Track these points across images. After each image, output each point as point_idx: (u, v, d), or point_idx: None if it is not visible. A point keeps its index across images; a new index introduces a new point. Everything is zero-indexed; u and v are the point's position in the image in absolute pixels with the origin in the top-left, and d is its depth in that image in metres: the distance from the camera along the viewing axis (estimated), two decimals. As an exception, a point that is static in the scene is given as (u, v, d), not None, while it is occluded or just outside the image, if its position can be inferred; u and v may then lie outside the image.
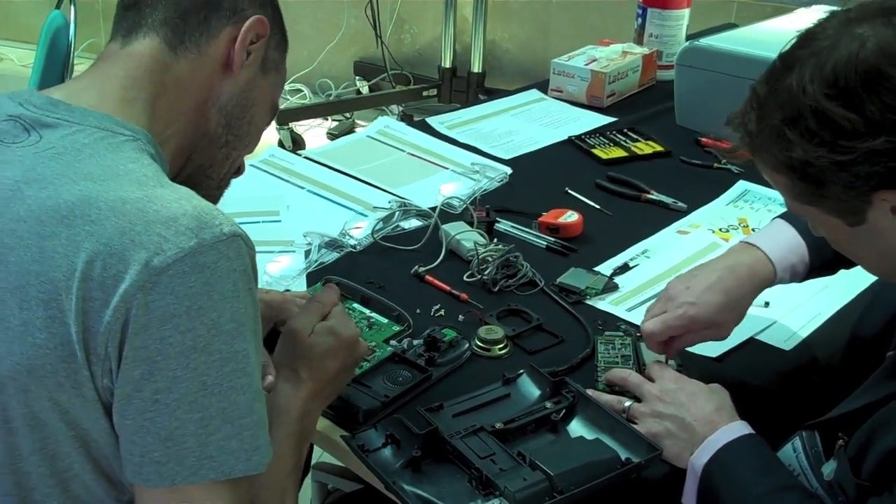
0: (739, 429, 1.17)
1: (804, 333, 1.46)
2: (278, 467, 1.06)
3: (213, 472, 0.93)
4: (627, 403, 1.26)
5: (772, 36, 2.11)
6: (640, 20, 2.40)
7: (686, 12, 2.38)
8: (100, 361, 0.91)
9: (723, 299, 1.28)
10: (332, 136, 4.22)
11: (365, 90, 4.49)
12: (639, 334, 1.40)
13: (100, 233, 0.90)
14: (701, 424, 1.19)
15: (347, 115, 4.31)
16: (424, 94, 4.26)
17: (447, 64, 4.24)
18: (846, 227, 1.03)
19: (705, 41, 2.08)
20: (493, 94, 4.13)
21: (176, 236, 0.90)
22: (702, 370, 1.35)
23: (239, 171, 1.21)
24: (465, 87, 4.24)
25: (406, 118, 4.33)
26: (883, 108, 0.92)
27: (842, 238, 1.07)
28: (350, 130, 4.27)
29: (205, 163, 1.13)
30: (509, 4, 4.31)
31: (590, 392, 1.27)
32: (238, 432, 0.93)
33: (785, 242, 1.33)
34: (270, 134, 4.09)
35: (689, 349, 1.37)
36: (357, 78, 4.52)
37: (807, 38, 0.99)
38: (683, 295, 1.30)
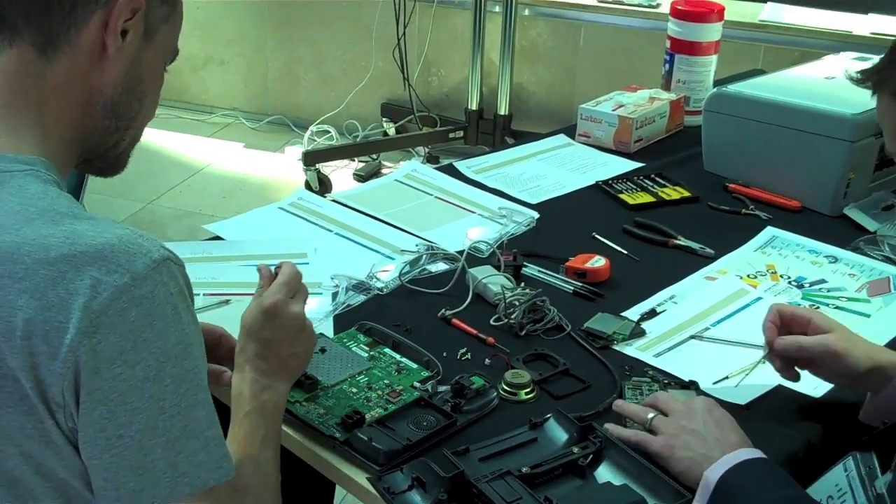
0: (760, 454, 1.17)
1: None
2: (247, 443, 1.13)
3: (189, 488, 0.96)
4: (651, 415, 1.26)
5: (799, 83, 2.12)
6: (667, 66, 2.41)
7: (713, 58, 2.39)
8: (60, 409, 0.92)
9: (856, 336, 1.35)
10: (359, 177, 4.24)
11: (392, 132, 4.52)
12: (666, 381, 1.41)
13: (32, 288, 0.91)
14: (721, 445, 1.19)
15: (374, 156, 4.34)
16: (451, 136, 4.28)
17: (474, 106, 4.27)
18: None
19: (733, 87, 2.09)
20: (520, 137, 4.18)
21: (108, 275, 0.91)
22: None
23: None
24: (492, 130, 4.26)
25: (432, 160, 4.36)
26: None
27: None
28: (377, 172, 4.29)
29: (99, 150, 1.10)
30: (536, 48, 4.34)
31: (617, 401, 1.30)
32: (204, 445, 0.97)
33: None
34: (297, 175, 4.12)
35: (717, 396, 1.37)
36: (384, 119, 4.55)
37: None
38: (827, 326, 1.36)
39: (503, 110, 4.22)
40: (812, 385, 1.43)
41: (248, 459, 1.13)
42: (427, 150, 4.37)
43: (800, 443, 1.33)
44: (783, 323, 1.38)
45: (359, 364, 1.40)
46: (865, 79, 1.19)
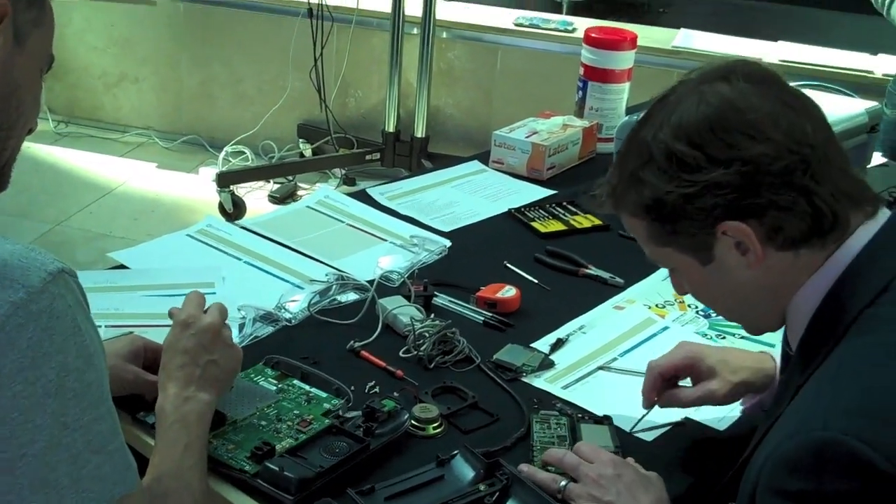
0: None
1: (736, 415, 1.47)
2: (169, 451, 1.15)
3: (94, 503, 0.94)
4: (563, 483, 1.25)
5: (708, 113, 2.15)
6: (580, 93, 2.42)
7: (626, 86, 2.42)
8: None
9: (726, 356, 1.39)
10: (274, 199, 4.20)
11: (308, 153, 4.49)
12: (580, 415, 1.43)
13: None
14: None
15: (290, 178, 4.30)
16: (368, 157, 4.26)
17: (391, 128, 4.26)
18: (700, 266, 1.14)
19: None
20: (437, 160, 4.19)
21: (3, 292, 0.89)
22: (637, 453, 1.35)
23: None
24: (409, 152, 4.25)
25: (349, 182, 4.34)
26: (721, 146, 1.06)
27: (698, 280, 1.18)
28: (292, 194, 4.26)
29: None
30: (454, 71, 4.35)
31: (525, 467, 1.28)
32: (108, 458, 0.96)
33: None
34: (211, 196, 4.06)
35: (626, 430, 1.38)
36: (300, 140, 4.52)
37: (660, 100, 1.15)
38: (690, 344, 1.43)
39: (420, 132, 4.22)
40: (718, 416, 1.45)
41: (169, 467, 1.14)
42: (344, 171, 4.35)
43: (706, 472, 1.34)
44: (666, 378, 1.39)
45: (267, 397, 1.37)
46: (603, 201, 1.20)
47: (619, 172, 1.16)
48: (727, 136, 1.06)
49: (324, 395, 1.39)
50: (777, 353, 1.36)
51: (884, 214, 1.11)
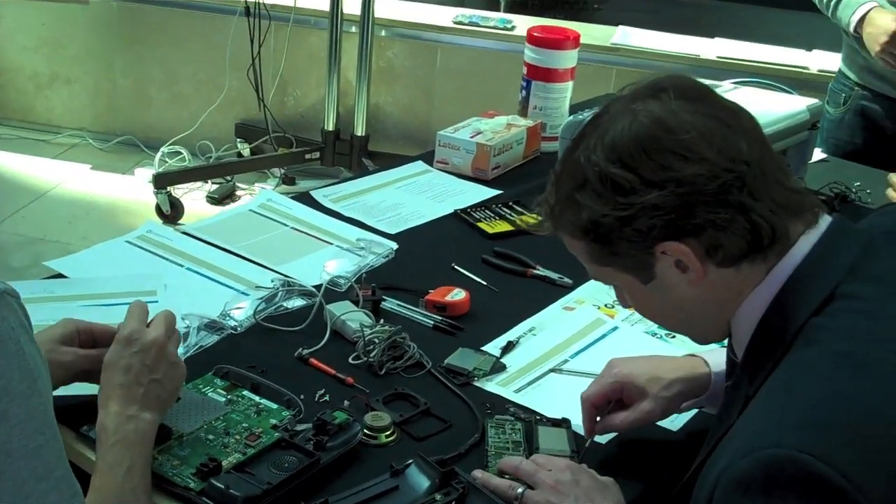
0: None
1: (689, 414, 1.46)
2: (111, 474, 1.13)
3: None
4: (520, 490, 1.23)
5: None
6: (524, 92, 2.41)
7: (569, 84, 2.41)
8: None
9: (656, 371, 1.36)
10: (213, 199, 4.14)
11: (246, 153, 4.43)
12: (539, 417, 1.41)
13: None
14: None
15: (228, 178, 4.24)
16: (307, 157, 4.22)
17: (330, 127, 4.21)
18: (641, 285, 1.13)
19: (588, 115, 2.10)
20: (377, 158, 4.17)
21: None
22: (592, 455, 1.34)
23: None
24: (349, 151, 4.22)
25: (288, 181, 4.30)
26: (655, 168, 1.05)
27: (641, 298, 1.17)
28: (231, 194, 4.20)
29: None
30: (393, 68, 4.33)
31: (480, 474, 1.26)
32: (55, 486, 0.93)
33: (723, 355, 1.34)
34: (148, 197, 3.99)
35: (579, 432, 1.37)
36: (238, 140, 4.46)
37: (594, 119, 1.13)
38: (620, 364, 1.38)
39: (360, 131, 4.19)
40: (670, 418, 1.45)
41: (112, 490, 1.12)
42: (283, 171, 4.30)
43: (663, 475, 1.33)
44: (602, 403, 1.37)
45: (215, 410, 1.34)
46: (542, 221, 1.18)
47: (556, 193, 1.15)
48: (660, 158, 1.05)
49: (274, 406, 1.36)
50: (714, 356, 1.36)
51: (825, 221, 1.10)
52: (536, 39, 2.38)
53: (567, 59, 2.39)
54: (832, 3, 2.48)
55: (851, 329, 1.00)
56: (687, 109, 1.07)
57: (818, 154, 2.47)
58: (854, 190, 2.30)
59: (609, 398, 1.36)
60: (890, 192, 2.14)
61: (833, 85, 2.69)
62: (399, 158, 2.32)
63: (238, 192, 4.22)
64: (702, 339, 1.24)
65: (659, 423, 1.43)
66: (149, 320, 1.28)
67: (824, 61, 3.97)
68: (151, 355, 1.23)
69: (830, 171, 2.38)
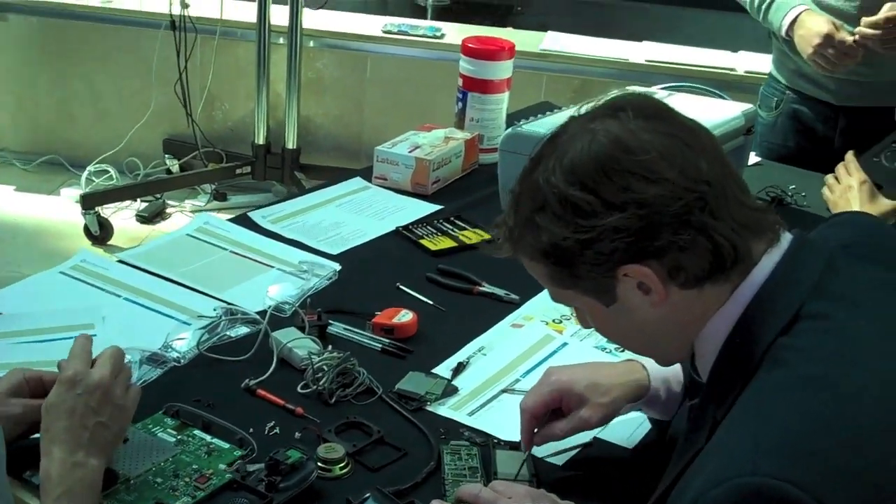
0: None
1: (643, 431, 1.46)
2: None
3: None
4: None
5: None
6: (460, 104, 2.40)
7: (506, 95, 2.40)
8: None
9: (594, 377, 1.36)
10: (142, 217, 4.06)
11: (176, 169, 4.35)
12: (496, 441, 1.39)
13: None
14: None
15: (158, 195, 4.16)
16: (238, 171, 4.16)
17: (261, 140, 4.15)
18: (603, 307, 1.12)
19: (528, 127, 2.08)
20: (309, 171, 4.12)
21: None
22: (553, 479, 1.32)
23: None
24: (281, 164, 4.16)
25: (219, 197, 4.23)
26: (616, 189, 1.03)
27: (603, 320, 1.15)
28: (161, 212, 4.12)
29: None
30: (323, 80, 4.28)
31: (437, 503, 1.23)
32: None
33: None
34: (75, 218, 3.89)
35: (537, 454, 1.35)
36: (167, 156, 4.38)
37: (551, 139, 1.11)
38: (558, 372, 1.37)
39: (291, 144, 4.13)
40: (625, 435, 1.44)
41: None
42: (214, 187, 4.24)
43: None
44: (541, 412, 1.36)
45: (165, 451, 1.29)
46: (500, 244, 1.16)
47: (515, 215, 1.12)
48: (621, 179, 1.03)
49: (226, 445, 1.31)
50: (651, 361, 1.35)
51: (786, 239, 1.09)
52: (471, 51, 2.36)
53: (503, 69, 2.37)
54: (763, 7, 2.50)
55: (819, 350, 1.00)
56: (646, 129, 1.05)
57: (753, 158, 2.49)
58: (790, 193, 2.32)
59: (547, 408, 1.35)
60: (826, 193, 2.16)
61: (764, 89, 2.72)
62: (332, 171, 2.29)
63: (168, 210, 4.14)
64: (664, 361, 1.23)
65: (615, 441, 1.43)
66: (93, 356, 1.23)
67: (751, 62, 4.02)
68: (96, 397, 1.18)
69: (766, 175, 2.40)
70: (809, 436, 0.92)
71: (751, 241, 1.06)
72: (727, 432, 0.99)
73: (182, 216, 4.13)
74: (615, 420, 1.43)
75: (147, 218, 4.06)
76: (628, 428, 1.45)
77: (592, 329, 1.21)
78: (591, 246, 1.05)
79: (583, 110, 1.12)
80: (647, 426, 1.46)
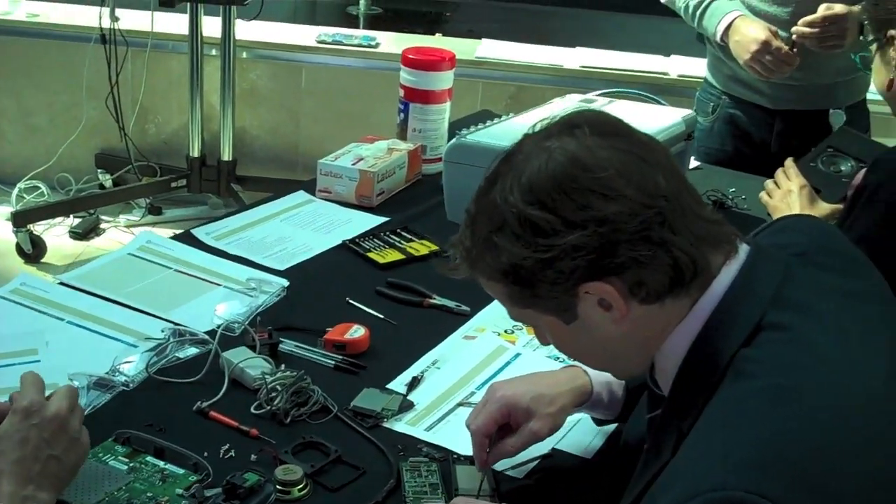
0: None
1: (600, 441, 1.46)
2: None
3: None
4: None
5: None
6: (402, 115, 2.38)
7: (447, 105, 2.39)
8: None
9: (538, 389, 1.36)
10: (76, 234, 3.98)
11: (109, 184, 4.27)
12: (455, 456, 1.39)
13: None
14: None
15: (91, 211, 4.08)
16: (173, 185, 4.08)
17: (196, 153, 4.09)
18: (564, 325, 1.11)
19: (471, 137, 2.08)
20: (245, 183, 4.08)
21: None
22: (514, 491, 1.32)
23: None
24: (216, 177, 4.10)
25: (154, 211, 4.16)
26: (575, 208, 1.03)
27: (564, 338, 1.15)
28: (94, 227, 4.04)
29: None
30: (257, 91, 4.24)
31: None
32: None
33: None
34: (6, 237, 3.80)
35: (496, 468, 1.35)
36: (100, 171, 4.29)
37: (507, 158, 1.10)
38: (502, 388, 1.37)
39: (227, 156, 4.08)
40: (583, 445, 1.44)
41: None
42: (148, 201, 4.17)
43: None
44: (492, 430, 1.35)
45: (117, 479, 1.26)
46: (457, 264, 1.15)
47: (472, 235, 1.11)
48: (580, 197, 1.02)
49: (180, 471, 1.29)
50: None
51: (743, 251, 1.10)
52: (412, 61, 2.35)
53: (443, 80, 2.37)
54: (697, 13, 2.53)
55: (782, 361, 1.00)
56: (602, 146, 1.05)
57: (692, 163, 2.52)
58: (730, 196, 2.35)
59: (498, 423, 1.35)
60: (765, 197, 2.19)
61: (700, 94, 2.75)
62: (269, 182, 2.26)
63: (103, 226, 4.06)
64: (624, 375, 1.24)
65: (573, 451, 1.43)
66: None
67: (683, 66, 4.07)
68: (51, 429, 1.15)
69: (705, 179, 2.42)
70: (777, 447, 0.93)
71: (709, 254, 1.06)
72: (694, 445, 0.99)
73: (117, 231, 4.06)
74: (572, 431, 1.44)
75: (81, 234, 3.98)
76: (585, 437, 1.46)
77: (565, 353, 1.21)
78: (551, 265, 1.04)
79: (537, 128, 1.12)
80: (603, 436, 1.46)
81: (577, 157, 1.04)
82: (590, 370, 1.38)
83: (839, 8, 2.32)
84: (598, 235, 1.02)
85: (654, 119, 2.21)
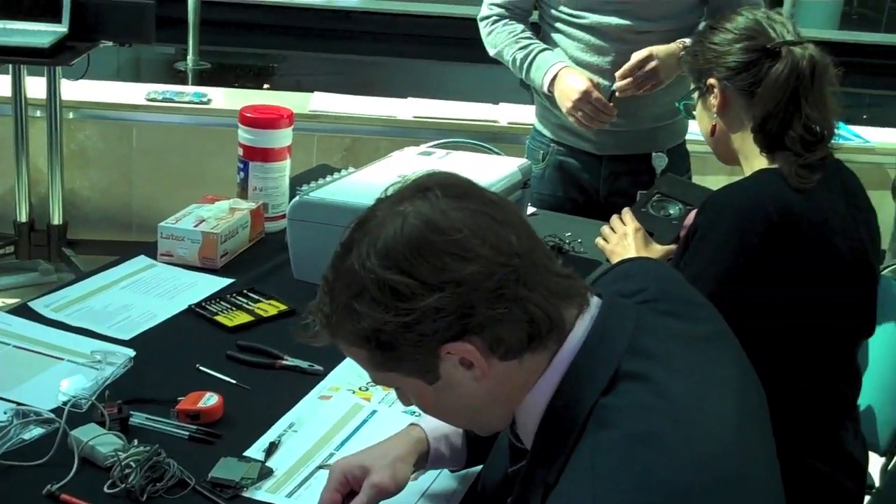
0: None
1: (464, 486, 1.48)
2: None
3: None
4: None
5: (376, 183, 2.16)
6: (242, 174, 2.37)
7: (287, 162, 2.39)
8: None
9: (372, 449, 1.39)
10: None
11: (-74, 254, 4.08)
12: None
13: None
14: None
15: None
16: (0, 252, 3.94)
17: (23, 218, 3.96)
18: (427, 386, 1.13)
19: (314, 195, 2.09)
20: (78, 246, 3.96)
21: None
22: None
23: None
24: (47, 241, 3.98)
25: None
26: (432, 270, 1.05)
27: (427, 399, 1.16)
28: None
29: None
30: (87, 152, 4.14)
31: None
32: None
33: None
34: None
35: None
36: (-85, 243, 4.10)
37: (360, 223, 1.12)
38: (339, 461, 1.40)
39: (56, 219, 3.96)
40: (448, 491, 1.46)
41: None
42: (-25, 271, 4.00)
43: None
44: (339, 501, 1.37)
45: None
46: (317, 331, 1.16)
47: (331, 302, 1.12)
48: (437, 260, 1.05)
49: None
50: (427, 420, 1.39)
51: (595, 304, 1.14)
52: (250, 120, 2.34)
53: (283, 137, 2.37)
54: (525, 66, 2.61)
55: (641, 408, 1.04)
56: (455, 207, 1.08)
57: (528, 209, 2.59)
58: (567, 241, 2.43)
59: (342, 492, 1.36)
60: (601, 242, 2.26)
61: (530, 142, 2.83)
62: (102, 244, 2.20)
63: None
64: (487, 431, 1.26)
65: (437, 505, 1.44)
66: None
67: (512, 113, 4.19)
68: None
69: (542, 225, 2.48)
70: (644, 494, 0.96)
71: (563, 308, 1.10)
72: (562, 496, 1.02)
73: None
74: (432, 487, 1.46)
75: None
76: (447, 489, 1.47)
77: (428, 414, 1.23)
78: (412, 328, 1.06)
79: (389, 191, 1.14)
80: (463, 488, 1.48)
81: (431, 220, 1.07)
82: (423, 423, 1.41)
83: (640, 54, 2.44)
84: (457, 296, 1.05)
85: (491, 169, 2.27)
